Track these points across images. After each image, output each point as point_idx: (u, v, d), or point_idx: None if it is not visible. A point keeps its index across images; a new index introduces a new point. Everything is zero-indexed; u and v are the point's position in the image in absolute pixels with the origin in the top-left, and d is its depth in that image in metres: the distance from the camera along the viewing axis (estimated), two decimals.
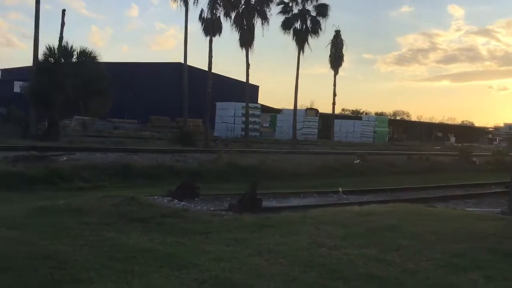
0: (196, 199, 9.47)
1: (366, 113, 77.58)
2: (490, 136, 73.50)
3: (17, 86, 42.62)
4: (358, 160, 22.99)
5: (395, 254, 5.69)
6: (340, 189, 12.39)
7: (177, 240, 6.00)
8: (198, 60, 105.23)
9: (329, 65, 37.24)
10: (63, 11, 27.35)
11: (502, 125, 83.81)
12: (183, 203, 8.84)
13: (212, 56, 31.10)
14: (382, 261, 5.40)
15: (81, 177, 14.67)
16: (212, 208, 8.76)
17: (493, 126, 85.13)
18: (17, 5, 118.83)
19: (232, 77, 53.51)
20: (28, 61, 28.83)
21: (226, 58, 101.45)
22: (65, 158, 16.76)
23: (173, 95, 41.06)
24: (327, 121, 45.38)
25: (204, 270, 4.77)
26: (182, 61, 32.64)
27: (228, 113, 43.54)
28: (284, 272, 4.85)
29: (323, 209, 8.75)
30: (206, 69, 31.64)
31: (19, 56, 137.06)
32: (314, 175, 19.96)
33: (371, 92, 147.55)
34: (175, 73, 41.28)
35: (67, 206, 7.71)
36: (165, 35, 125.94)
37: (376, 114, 75.75)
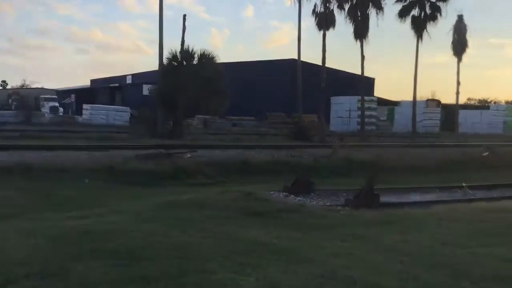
0: (311, 194, 9.50)
1: (494, 102, 71.76)
2: None
3: (145, 89, 46.06)
4: (487, 153, 21.36)
5: None
6: (464, 184, 11.62)
7: (293, 235, 6.09)
8: (311, 55, 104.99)
9: (451, 53, 34.99)
10: (184, 16, 28.85)
11: None
12: (298, 198, 8.93)
13: (325, 50, 30.86)
14: None
15: (203, 173, 15.47)
16: (328, 204, 8.74)
17: None
18: (144, 12, 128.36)
19: (347, 71, 52.63)
20: (154, 66, 31.05)
21: (339, 52, 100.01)
22: (189, 155, 17.76)
23: (289, 91, 41.47)
24: (450, 112, 42.76)
25: (321, 265, 4.80)
26: (296, 57, 32.84)
27: (343, 108, 42.94)
28: (405, 271, 4.70)
29: (447, 205, 8.31)
30: (320, 64, 31.48)
31: (147, 60, 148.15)
32: (436, 169, 18.97)
33: (500, 79, 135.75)
34: (290, 70, 41.62)
35: (191, 200, 8.19)
36: (279, 33, 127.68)
37: (507, 102, 69.67)
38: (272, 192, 9.32)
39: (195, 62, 26.86)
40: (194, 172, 15.48)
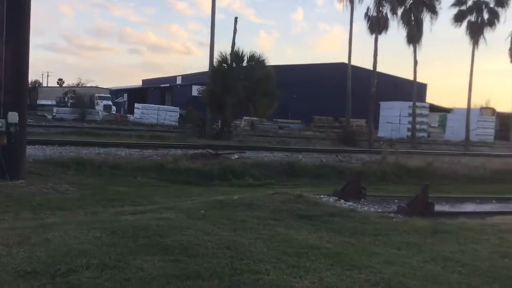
0: (362, 200, 9.33)
1: None
2: None
3: (194, 90, 46.81)
4: None
5: None
6: None
7: (345, 240, 5.99)
8: (362, 60, 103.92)
9: (508, 59, 33.79)
10: (235, 18, 29.14)
11: None
12: (349, 203, 8.79)
13: (377, 55, 30.47)
14: None
15: (250, 174, 15.50)
16: (379, 210, 8.55)
17: None
18: (195, 15, 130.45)
19: (398, 76, 51.66)
20: (203, 67, 31.49)
21: (391, 56, 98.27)
22: (236, 156, 17.88)
23: (337, 95, 41.12)
24: (505, 120, 41.26)
25: (376, 272, 4.69)
26: (346, 61, 32.52)
27: (393, 113, 42.13)
28: (464, 282, 4.54)
29: (505, 217, 7.97)
30: (371, 68, 31.05)
31: (196, 62, 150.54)
32: (491, 179, 18.26)
33: None
34: (339, 73, 41.24)
35: (240, 201, 8.21)
36: (329, 36, 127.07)
37: None
38: (321, 195, 9.21)
39: (244, 64, 27.05)
40: (241, 173, 15.54)
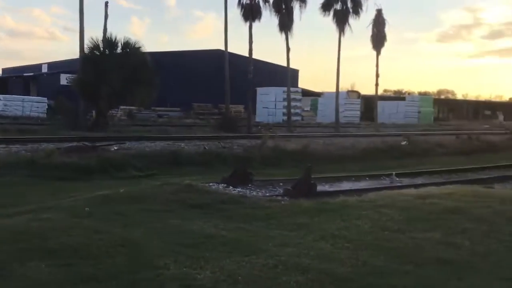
0: (249, 185, 9.50)
1: (409, 93, 75.94)
2: None
3: (63, 79, 43.86)
4: (405, 142, 22.55)
5: (463, 237, 5.60)
6: (394, 173, 12.18)
7: (240, 226, 6.07)
8: (238, 46, 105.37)
9: (370, 46, 36.56)
10: (106, 3, 27.79)
11: None
12: (238, 189, 8.90)
13: (252, 42, 31.07)
14: (451, 245, 5.32)
15: (133, 166, 14.98)
16: (267, 194, 8.80)
17: None
18: None
19: (273, 62, 53.29)
20: (72, 54, 29.60)
21: (265, 43, 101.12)
22: (115, 148, 17.16)
23: (215, 82, 41.25)
24: (369, 103, 44.75)
25: (273, 255, 4.82)
26: (223, 48, 32.73)
27: (269, 98, 43.49)
28: (353, 257, 4.85)
29: (379, 192, 8.64)
30: (247, 55, 31.62)
31: (63, 49, 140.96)
32: (361, 158, 19.72)
33: (414, 71, 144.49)
34: (216, 60, 41.38)
35: (128, 194, 7.91)
36: (204, 23, 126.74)
37: (420, 93, 74.00)
38: (211, 183, 9.21)
39: (119, 51, 25.94)
40: (122, 165, 14.94)
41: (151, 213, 6.58)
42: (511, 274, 4.42)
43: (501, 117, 61.39)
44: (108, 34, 26.27)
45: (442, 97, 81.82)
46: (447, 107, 65.39)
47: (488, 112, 65.59)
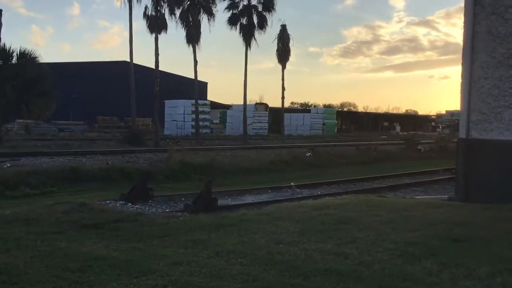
0: (150, 201, 9.29)
1: (314, 106, 78.86)
2: (433, 123, 76.51)
3: None
4: (310, 153, 23.34)
5: (351, 247, 5.81)
6: (293, 184, 12.51)
7: (133, 246, 5.87)
8: (144, 58, 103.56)
9: (276, 60, 37.56)
10: (0, 11, 26.01)
11: (444, 112, 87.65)
12: (137, 206, 8.67)
13: (158, 54, 30.66)
14: (340, 255, 5.49)
15: (27, 184, 14.12)
16: (167, 210, 8.64)
17: (435, 114, 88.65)
18: None
19: (180, 75, 52.95)
20: None
21: (173, 56, 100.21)
22: (8, 165, 16.11)
23: (120, 94, 40.16)
24: (277, 115, 45.82)
25: (164, 275, 4.69)
26: (128, 59, 31.95)
27: (177, 111, 43.09)
28: (245, 272, 4.84)
29: (278, 205, 8.80)
30: (153, 67, 31.13)
31: None
32: (267, 169, 20.11)
33: (318, 84, 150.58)
34: (122, 72, 40.34)
35: (14, 215, 7.38)
36: (109, 33, 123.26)
37: (324, 106, 77.18)
38: (108, 201, 8.87)
39: (14, 61, 24.34)
40: (15, 183, 14.02)
41: (37, 236, 6.16)
42: (391, 281, 4.64)
43: (398, 128, 65.64)
44: (1, 44, 24.57)
45: (345, 109, 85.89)
46: (349, 119, 68.71)
47: (386, 123, 69.80)
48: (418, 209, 8.30)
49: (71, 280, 4.48)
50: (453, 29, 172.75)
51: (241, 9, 34.14)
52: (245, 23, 34.07)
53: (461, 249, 5.76)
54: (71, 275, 4.64)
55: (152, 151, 23.43)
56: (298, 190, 12.13)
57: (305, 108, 70.73)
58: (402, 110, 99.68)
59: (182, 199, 9.83)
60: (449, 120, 75.04)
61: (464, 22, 10.21)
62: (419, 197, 11.42)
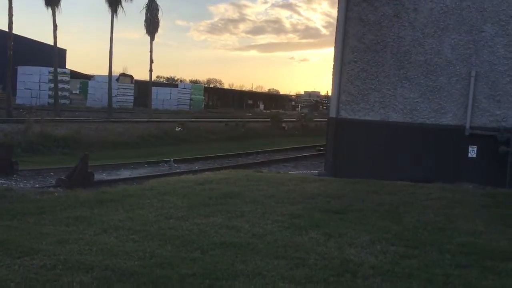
0: (15, 175, 8.44)
1: (181, 81, 78.08)
2: (293, 103, 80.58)
3: None
4: (180, 128, 23.13)
5: (242, 220, 5.91)
6: (172, 159, 12.32)
7: (7, 224, 5.31)
8: None
9: (144, 31, 36.24)
10: None
11: (302, 93, 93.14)
12: (1, 181, 7.82)
13: (12, 15, 27.60)
14: (232, 228, 5.55)
15: None
16: (37, 185, 7.93)
17: (295, 94, 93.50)
18: None
19: (37, 39, 48.58)
20: None
21: (30, 18, 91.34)
22: None
23: None
24: (143, 88, 44.48)
25: (50, 255, 4.32)
26: None
27: (32, 79, 39.48)
28: (140, 249, 4.66)
29: (159, 179, 8.61)
30: (6, 30, 28.03)
31: None
32: (137, 144, 19.54)
33: (185, 59, 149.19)
34: None
35: None
36: None
37: (191, 81, 76.80)
38: None
39: None
40: None
41: None
42: (285, 252, 4.82)
43: (261, 106, 68.01)
44: None
45: (211, 85, 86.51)
46: (216, 96, 69.38)
47: (250, 101, 71.86)
48: (295, 183, 8.72)
49: None
50: (313, 13, 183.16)
51: None
52: None
53: (341, 220, 6.18)
54: None
55: (5, 121, 21.25)
56: (176, 165, 11.96)
57: (172, 83, 69.64)
58: (265, 89, 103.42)
59: (52, 173, 9.11)
60: (307, 100, 79.93)
61: (338, 8, 10.80)
62: (292, 172, 12.00)
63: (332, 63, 10.92)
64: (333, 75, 10.93)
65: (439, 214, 6.69)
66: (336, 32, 10.90)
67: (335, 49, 10.89)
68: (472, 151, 9.81)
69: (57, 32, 30.23)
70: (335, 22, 10.96)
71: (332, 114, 10.91)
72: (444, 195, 7.97)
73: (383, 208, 6.96)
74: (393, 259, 4.74)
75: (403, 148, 10.38)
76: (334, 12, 10.57)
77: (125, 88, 45.98)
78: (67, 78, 40.81)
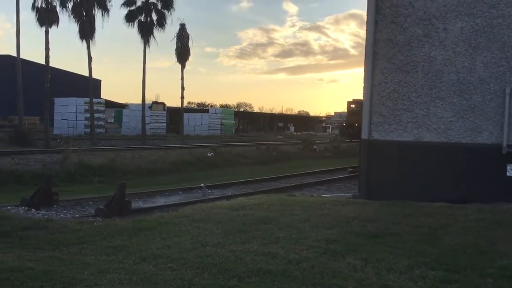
0: (55, 206, 8.69)
1: (211, 106, 78.98)
2: (323, 124, 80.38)
3: None
4: (211, 153, 23.33)
5: (277, 246, 5.90)
6: (203, 185, 12.43)
7: (49, 255, 5.46)
8: (34, 53, 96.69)
9: (175, 59, 37.04)
10: None
11: (333, 113, 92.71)
12: (42, 212, 8.05)
13: (49, 48, 28.75)
14: (268, 255, 5.55)
15: None
16: (77, 215, 8.13)
17: (325, 115, 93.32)
18: None
19: (72, 71, 50.23)
20: None
21: (66, 51, 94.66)
22: None
23: (4, 91, 37.08)
24: (174, 115, 45.26)
25: (92, 285, 4.43)
26: (14, 54, 29.59)
27: (68, 109, 40.72)
28: (178, 277, 4.72)
29: (194, 206, 8.68)
30: (43, 63, 29.14)
31: None
32: (170, 170, 19.78)
33: (215, 85, 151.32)
34: (6, 67, 37.27)
35: None
36: None
37: (221, 106, 77.69)
38: (9, 207, 8.14)
39: None
40: None
41: None
42: (322, 279, 4.79)
43: (292, 128, 68.03)
44: None
45: (242, 109, 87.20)
46: (246, 119, 69.86)
47: (281, 124, 72.02)
48: (329, 207, 8.65)
49: None
50: (341, 35, 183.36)
51: (139, 6, 33.16)
52: (143, 20, 33.13)
53: (378, 244, 6.10)
54: None
55: (43, 152, 21.92)
56: (209, 191, 12.06)
57: (202, 108, 70.57)
58: (295, 111, 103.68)
59: (90, 203, 9.32)
60: (337, 121, 79.53)
61: (367, 30, 10.85)
62: (325, 195, 11.92)
63: (362, 82, 10.93)
64: (363, 96, 10.92)
65: (479, 236, 6.53)
66: (365, 54, 10.92)
67: (365, 71, 10.90)
68: (511, 170, 9.58)
69: (92, 63, 31.20)
70: (363, 42, 10.99)
71: (364, 135, 10.86)
72: (483, 216, 7.78)
73: (421, 230, 6.85)
74: (433, 284, 4.65)
75: (438, 169, 10.21)
76: (363, 32, 10.62)
77: (157, 115, 46.87)
78: (102, 108, 41.89)
